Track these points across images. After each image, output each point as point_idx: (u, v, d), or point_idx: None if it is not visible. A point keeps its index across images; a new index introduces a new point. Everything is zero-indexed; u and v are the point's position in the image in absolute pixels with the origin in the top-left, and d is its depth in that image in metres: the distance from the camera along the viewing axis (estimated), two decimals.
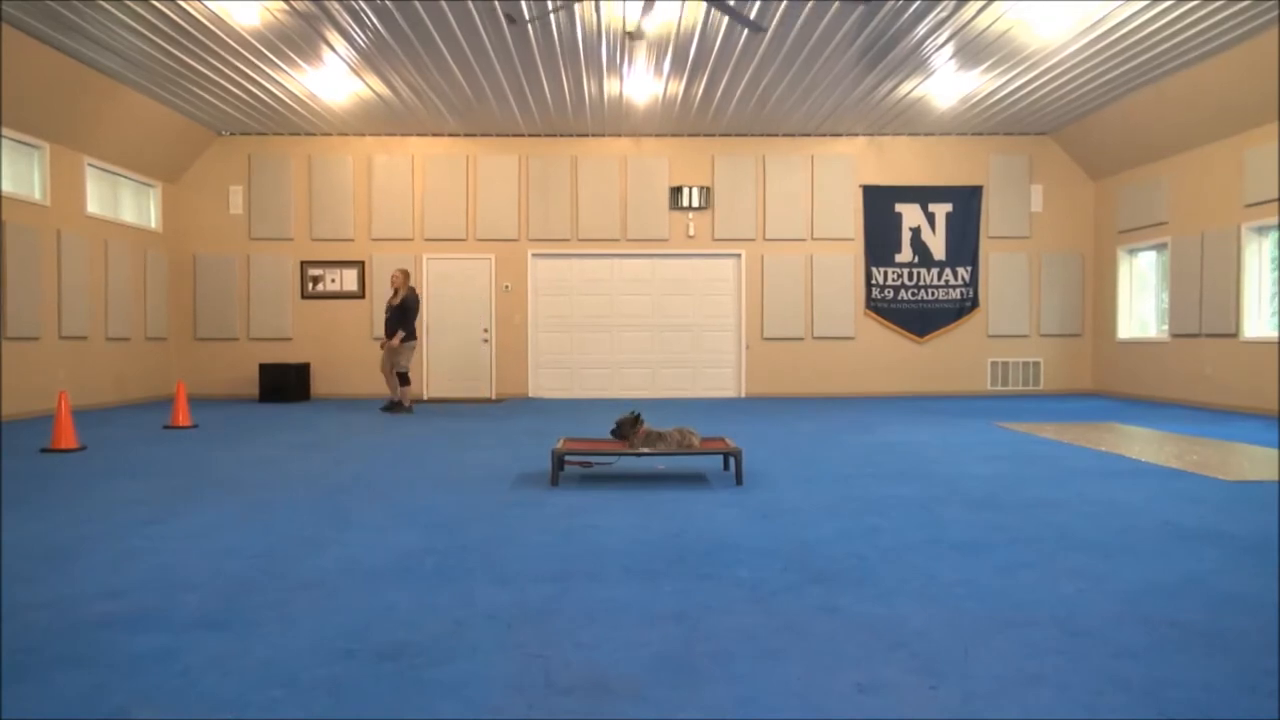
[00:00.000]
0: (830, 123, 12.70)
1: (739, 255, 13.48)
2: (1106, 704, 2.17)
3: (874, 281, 13.50)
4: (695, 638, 2.65)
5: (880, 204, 13.47)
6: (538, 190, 13.37)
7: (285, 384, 12.68)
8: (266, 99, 11.33)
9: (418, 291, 11.39)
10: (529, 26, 8.70)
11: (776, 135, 13.38)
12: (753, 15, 8.52)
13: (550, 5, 8.13)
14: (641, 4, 8.00)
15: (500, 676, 2.35)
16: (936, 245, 13.50)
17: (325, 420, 9.79)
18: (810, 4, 8.30)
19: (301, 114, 12.09)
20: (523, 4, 8.21)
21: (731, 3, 7.96)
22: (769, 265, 13.44)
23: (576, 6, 8.28)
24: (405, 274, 10.91)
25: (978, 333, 13.56)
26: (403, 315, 10.66)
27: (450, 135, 13.27)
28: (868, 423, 9.33)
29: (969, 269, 13.51)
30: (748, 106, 11.84)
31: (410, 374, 11.18)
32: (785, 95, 11.32)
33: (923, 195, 13.47)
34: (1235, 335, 10.48)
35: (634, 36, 8.32)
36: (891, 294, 13.50)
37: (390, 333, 10.63)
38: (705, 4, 8.28)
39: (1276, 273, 10.21)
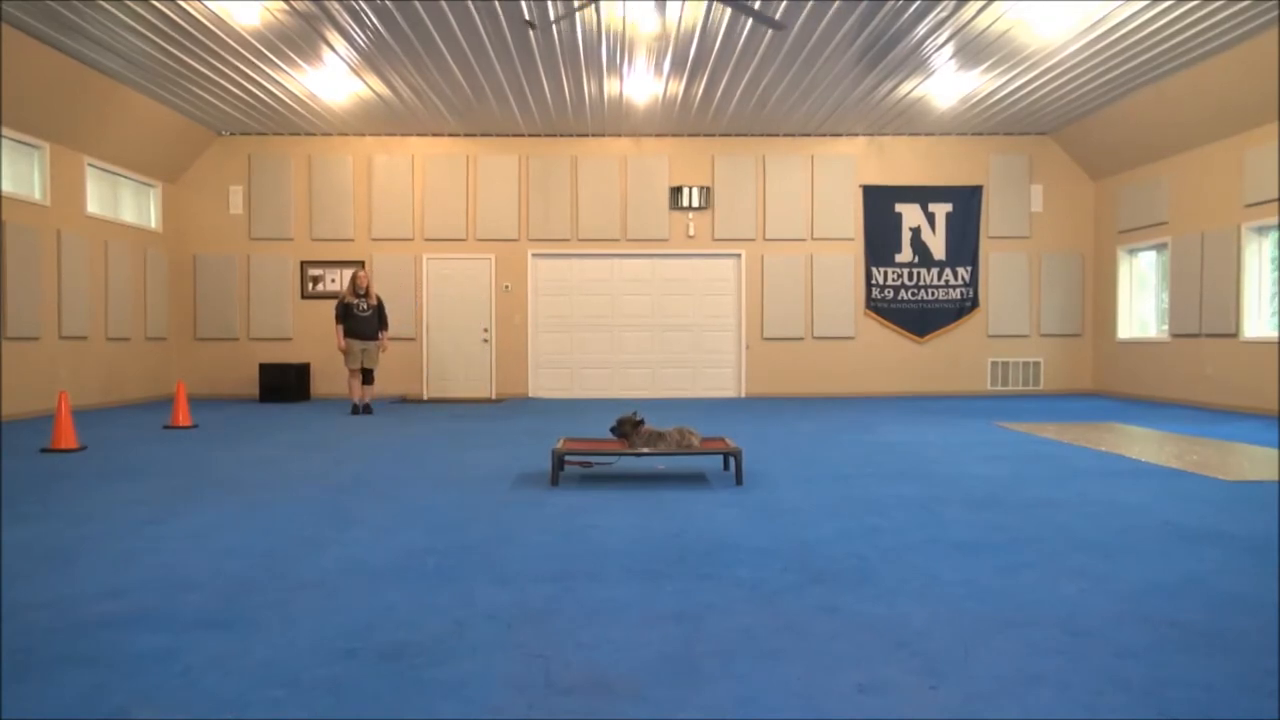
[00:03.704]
0: (830, 123, 12.71)
1: (739, 255, 13.48)
2: (1107, 704, 2.17)
3: (874, 281, 13.50)
4: (696, 638, 2.65)
5: (880, 204, 13.47)
6: (538, 190, 13.37)
7: (285, 384, 12.68)
8: (266, 99, 11.33)
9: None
10: (553, 28, 8.70)
11: (776, 135, 13.38)
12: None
13: (576, 3, 8.11)
14: (640, 4, 8.01)
15: (501, 676, 2.35)
16: (936, 245, 13.50)
17: (325, 420, 9.79)
18: (810, 4, 8.30)
19: (301, 114, 12.09)
20: (544, 4, 8.21)
21: (753, 4, 7.96)
22: (769, 265, 13.44)
23: (577, 6, 8.28)
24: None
25: (978, 333, 13.56)
26: (383, 314, 10.74)
27: (450, 135, 13.27)
28: (868, 423, 9.33)
29: (969, 269, 13.51)
30: (748, 106, 11.84)
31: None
32: (785, 95, 11.32)
33: (923, 195, 13.47)
34: (1235, 335, 10.48)
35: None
36: (891, 294, 13.50)
37: (374, 333, 10.63)
38: (707, 4, 8.29)
39: (1276, 273, 10.21)
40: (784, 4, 8.29)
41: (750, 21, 8.69)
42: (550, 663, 2.44)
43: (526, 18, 8.37)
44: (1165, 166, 11.81)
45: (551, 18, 8.44)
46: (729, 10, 8.36)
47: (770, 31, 8.98)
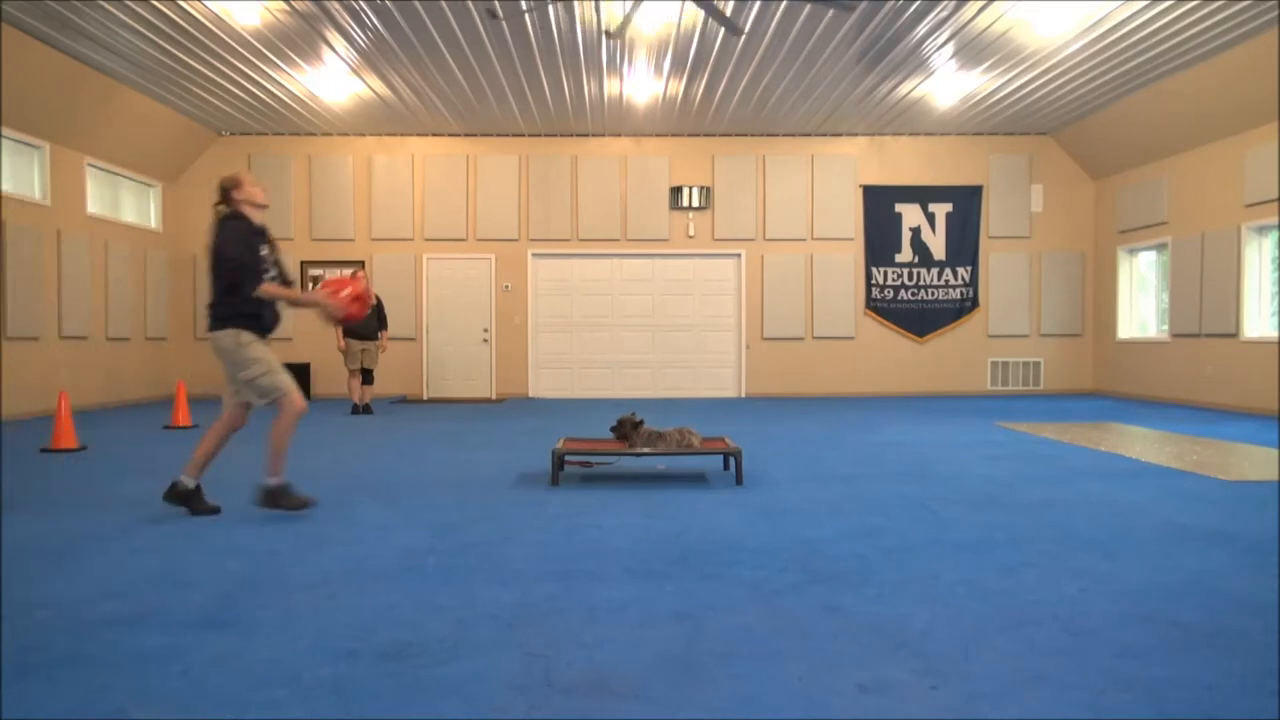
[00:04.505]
0: (830, 123, 12.70)
1: (739, 255, 13.48)
2: (1108, 704, 2.17)
3: (874, 281, 13.50)
4: (697, 637, 2.65)
5: (880, 204, 13.47)
6: (538, 190, 13.37)
7: None
8: (266, 99, 11.32)
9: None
10: (530, 17, 8.66)
11: (776, 135, 13.38)
12: (753, 14, 8.52)
13: (524, 5, 8.10)
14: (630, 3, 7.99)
15: (502, 676, 2.35)
16: (936, 245, 13.50)
17: (325, 420, 9.78)
18: (811, 4, 8.29)
19: (301, 114, 12.09)
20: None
21: (717, 2, 7.93)
22: (769, 265, 13.43)
23: (573, 5, 8.27)
24: None
25: (978, 333, 13.56)
26: (382, 314, 10.77)
27: (450, 135, 13.27)
28: (868, 423, 9.33)
29: (969, 269, 13.51)
30: (748, 106, 11.84)
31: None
32: (785, 95, 11.31)
33: (923, 195, 13.47)
34: (1235, 335, 10.48)
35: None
36: (891, 294, 13.50)
37: (374, 333, 10.63)
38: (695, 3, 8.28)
39: (1276, 273, 10.21)
40: (784, 4, 8.29)
41: (750, 21, 8.69)
42: (552, 662, 2.44)
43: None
44: (1165, 166, 11.81)
45: (525, 7, 8.37)
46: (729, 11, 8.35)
47: (770, 31, 8.98)
